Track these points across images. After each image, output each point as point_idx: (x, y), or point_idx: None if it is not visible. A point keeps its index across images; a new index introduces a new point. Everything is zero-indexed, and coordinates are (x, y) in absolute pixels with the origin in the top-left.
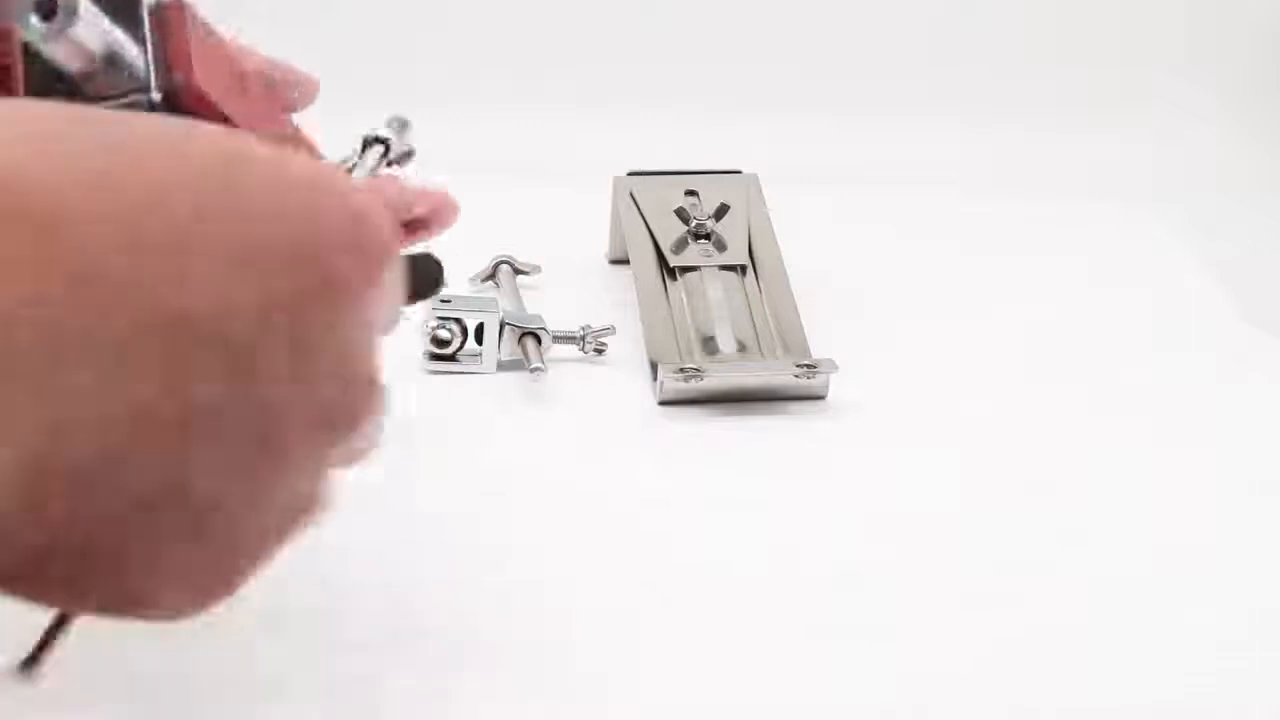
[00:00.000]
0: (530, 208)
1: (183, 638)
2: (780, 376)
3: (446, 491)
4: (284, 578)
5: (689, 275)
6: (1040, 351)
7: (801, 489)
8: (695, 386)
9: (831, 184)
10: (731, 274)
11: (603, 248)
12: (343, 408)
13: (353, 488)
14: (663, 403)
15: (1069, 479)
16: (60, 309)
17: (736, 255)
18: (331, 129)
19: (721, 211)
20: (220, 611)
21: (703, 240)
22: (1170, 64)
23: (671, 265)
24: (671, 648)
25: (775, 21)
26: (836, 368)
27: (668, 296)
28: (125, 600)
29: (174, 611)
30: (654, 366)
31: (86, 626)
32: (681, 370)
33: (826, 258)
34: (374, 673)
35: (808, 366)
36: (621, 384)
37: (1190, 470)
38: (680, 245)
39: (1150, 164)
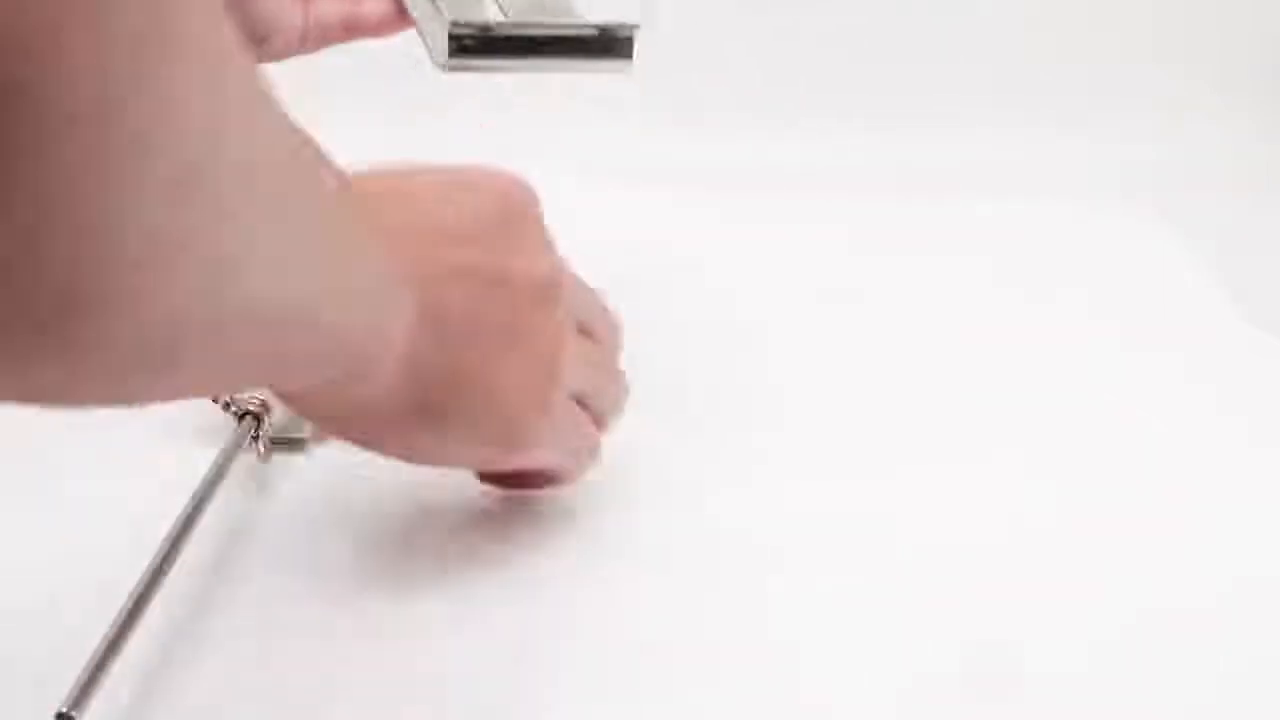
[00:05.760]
0: None
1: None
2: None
3: None
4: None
5: None
6: (1039, 351)
7: (800, 490)
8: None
9: (830, 185)
10: None
11: None
12: (553, 275)
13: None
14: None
15: (1068, 479)
16: None
17: None
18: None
19: None
20: None
21: None
22: (1170, 64)
23: None
24: None
25: (775, 21)
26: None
27: None
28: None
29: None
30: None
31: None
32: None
33: (826, 258)
34: (362, 671)
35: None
36: None
37: (1190, 470)
38: None
39: (1150, 164)
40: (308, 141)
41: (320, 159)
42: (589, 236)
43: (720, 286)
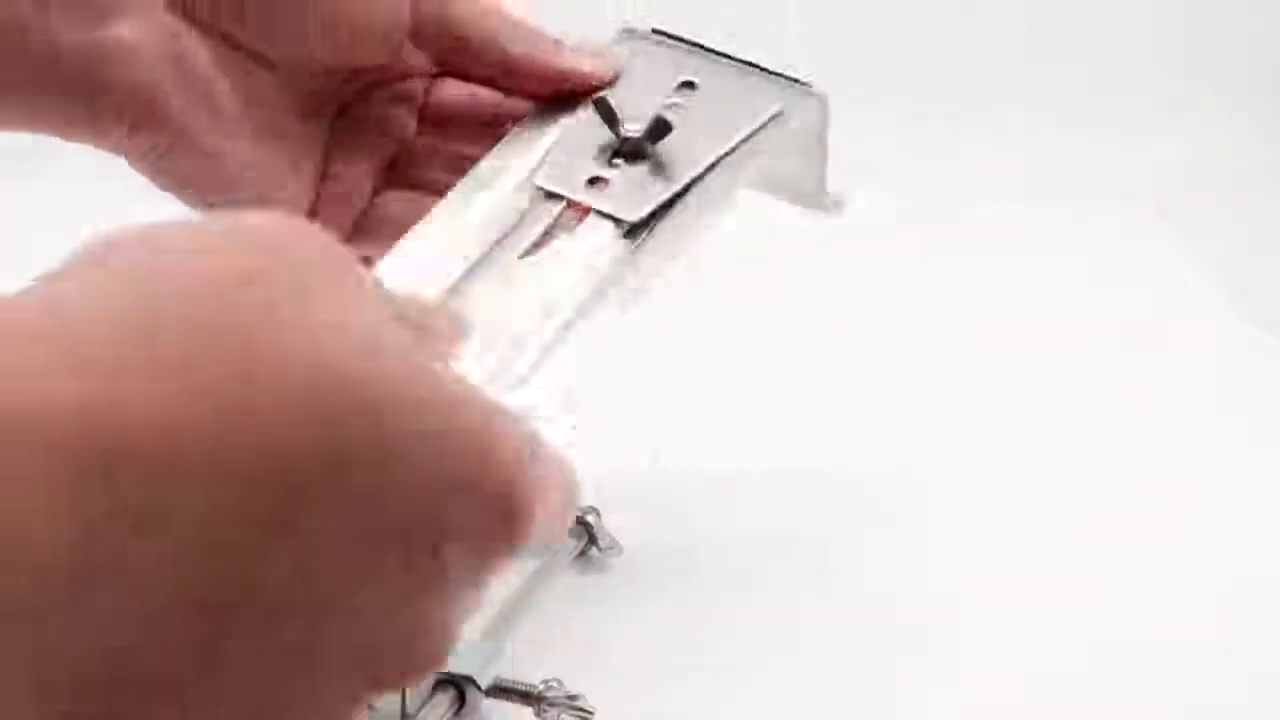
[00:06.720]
0: None
1: None
2: None
3: None
4: None
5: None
6: (1039, 352)
7: (794, 489)
8: None
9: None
10: (612, 229)
11: None
12: (395, 662)
13: None
14: None
15: (1068, 480)
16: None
17: (646, 203)
18: None
19: (660, 130)
20: None
21: (627, 163)
22: (1170, 64)
23: (538, 184)
24: None
25: (768, 18)
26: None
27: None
28: None
29: None
30: None
31: None
32: None
33: (822, 257)
34: None
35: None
36: None
37: (1191, 471)
38: (596, 158)
39: (1150, 164)
40: None
41: None
42: None
43: (716, 283)
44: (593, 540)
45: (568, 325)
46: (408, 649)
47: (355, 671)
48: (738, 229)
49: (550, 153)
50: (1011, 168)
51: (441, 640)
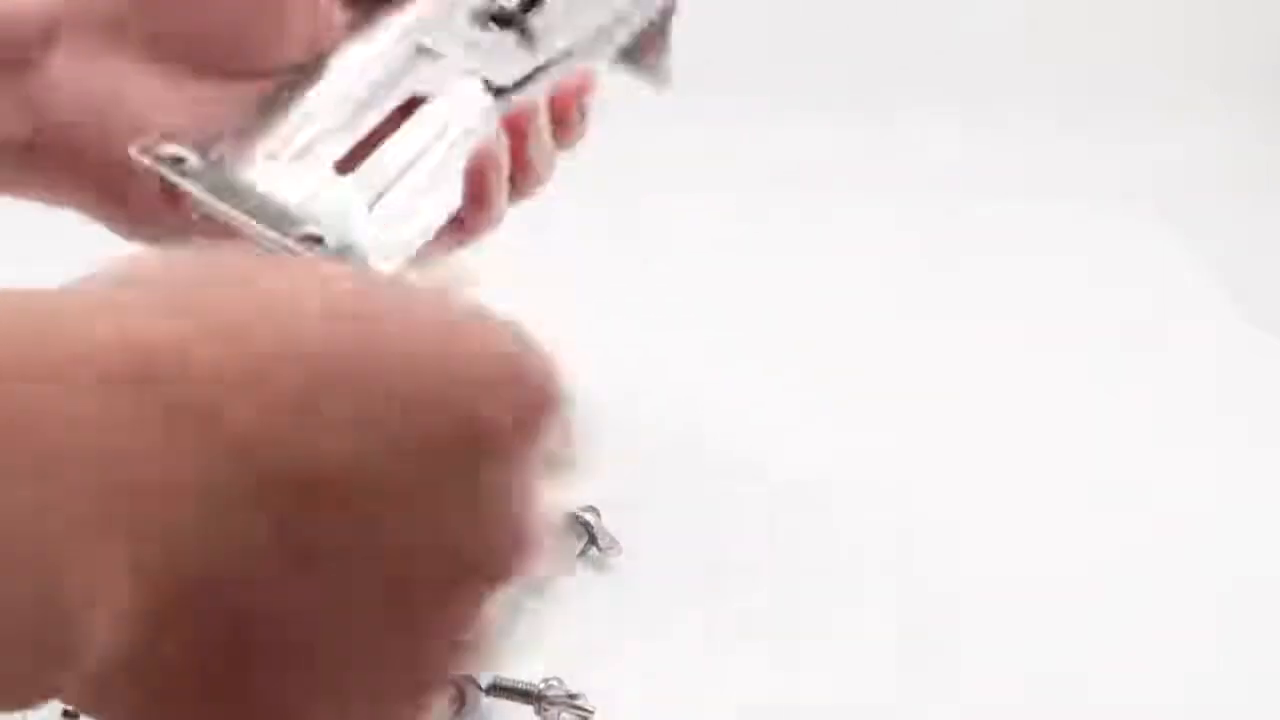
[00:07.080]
0: None
1: None
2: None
3: None
4: None
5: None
6: (1039, 352)
7: (792, 489)
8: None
9: (828, 185)
10: (481, 87)
11: None
12: (483, 560)
13: None
14: None
15: (1068, 479)
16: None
17: (516, 69)
18: None
19: (533, 2)
20: None
21: (499, 28)
22: (1170, 64)
23: (416, 41)
24: None
25: (769, 18)
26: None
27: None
28: None
29: None
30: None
31: None
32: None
33: (822, 257)
34: None
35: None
36: None
37: (1191, 471)
38: (465, 21)
39: (1150, 164)
40: None
41: None
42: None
43: (717, 283)
44: (593, 540)
45: (440, 165)
46: (513, 539)
47: (464, 579)
48: (738, 228)
49: (427, 14)
50: (1011, 168)
51: (538, 524)
